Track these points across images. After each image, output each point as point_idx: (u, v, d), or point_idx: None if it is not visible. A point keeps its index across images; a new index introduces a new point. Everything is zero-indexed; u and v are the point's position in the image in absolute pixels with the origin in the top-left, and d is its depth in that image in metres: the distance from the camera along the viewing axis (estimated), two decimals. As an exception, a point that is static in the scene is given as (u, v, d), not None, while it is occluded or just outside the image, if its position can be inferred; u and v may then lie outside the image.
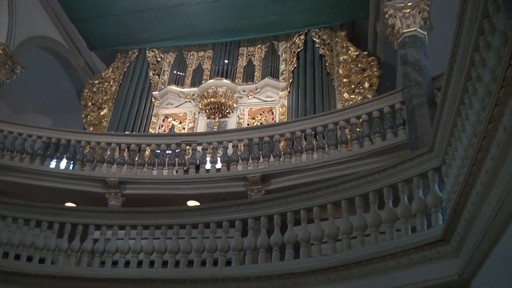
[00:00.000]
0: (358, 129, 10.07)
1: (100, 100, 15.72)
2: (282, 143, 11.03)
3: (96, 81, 16.26)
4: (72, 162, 11.54)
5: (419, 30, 9.74)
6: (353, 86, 13.18)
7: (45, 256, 7.55)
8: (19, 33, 12.98)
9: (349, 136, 10.32)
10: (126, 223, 7.70)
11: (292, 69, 14.38)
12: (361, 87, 13.06)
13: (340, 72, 13.68)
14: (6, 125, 11.80)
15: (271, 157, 10.46)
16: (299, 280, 6.18)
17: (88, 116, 15.41)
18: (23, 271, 7.28)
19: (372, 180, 6.23)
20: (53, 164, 11.43)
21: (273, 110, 14.11)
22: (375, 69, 13.25)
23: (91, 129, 14.90)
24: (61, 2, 14.70)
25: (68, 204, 10.91)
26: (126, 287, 6.95)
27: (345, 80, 13.45)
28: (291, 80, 14.20)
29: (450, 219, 4.81)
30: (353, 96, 12.92)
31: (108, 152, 11.48)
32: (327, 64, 13.98)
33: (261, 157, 10.54)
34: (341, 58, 13.86)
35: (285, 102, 14.03)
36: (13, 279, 7.20)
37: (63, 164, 11.64)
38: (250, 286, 6.44)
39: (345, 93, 13.14)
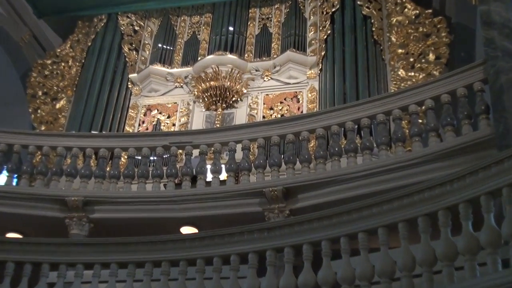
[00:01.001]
0: (420, 121, 9.99)
1: (55, 88, 15.75)
2: (312, 143, 11.25)
3: (49, 61, 16.25)
4: (15, 175, 11.42)
5: (509, -26, 9.56)
6: (412, 60, 13.09)
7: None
8: None
9: (407, 131, 10.28)
10: (95, 260, 7.63)
11: (325, 37, 14.28)
12: (423, 61, 13.03)
13: (393, 39, 13.65)
14: None
15: (297, 163, 10.40)
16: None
17: (38, 110, 15.42)
18: None
19: (442, 193, 6.15)
20: (-14, 180, 11.49)
21: (299, 96, 14.16)
22: (443, 34, 13.13)
23: (42, 128, 14.88)
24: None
25: (11, 235, 10.97)
26: None
27: (400, 51, 13.42)
28: (323, 53, 14.14)
29: None
30: (413, 74, 12.90)
31: (68, 161, 11.45)
32: (374, 29, 13.94)
33: (283, 164, 10.48)
34: (394, 20, 13.78)
35: (316, 85, 14.04)
36: None
37: (2, 178, 11.59)
38: None
39: (401, 70, 13.12)
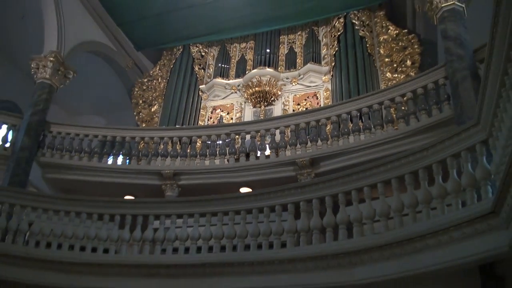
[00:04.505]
0: (403, 108, 9.79)
1: (150, 97, 15.42)
2: (328, 127, 10.85)
3: (145, 80, 15.95)
4: (128, 157, 11.53)
5: (458, 3, 9.24)
6: (395, 65, 12.71)
7: (109, 247, 7.67)
8: (69, 39, 12.97)
9: (394, 115, 9.94)
10: (183, 212, 7.66)
11: (334, 52, 13.84)
12: (403, 66, 12.59)
13: (381, 52, 13.18)
14: (62, 127, 11.92)
15: (319, 140, 10.23)
16: (354, 259, 6.15)
17: (140, 113, 15.21)
18: (89, 262, 7.37)
19: (421, 157, 6.10)
20: (110, 161, 11.45)
21: (318, 95, 13.66)
22: (416, 46, 12.75)
23: (143, 125, 14.74)
24: (105, 7, 14.60)
25: (127, 197, 10.99)
26: (187, 272, 6.96)
27: (386, 59, 12.96)
28: (333, 64, 13.67)
29: (499, 191, 4.70)
30: (396, 75, 12.47)
31: (162, 146, 11.38)
32: (367, 45, 13.46)
33: (308, 141, 10.32)
34: (382, 38, 13.35)
35: (329, 86, 13.57)
36: (80, 269, 7.33)
37: (119, 160, 11.61)
38: (307, 266, 6.40)
39: (388, 73, 12.65)
